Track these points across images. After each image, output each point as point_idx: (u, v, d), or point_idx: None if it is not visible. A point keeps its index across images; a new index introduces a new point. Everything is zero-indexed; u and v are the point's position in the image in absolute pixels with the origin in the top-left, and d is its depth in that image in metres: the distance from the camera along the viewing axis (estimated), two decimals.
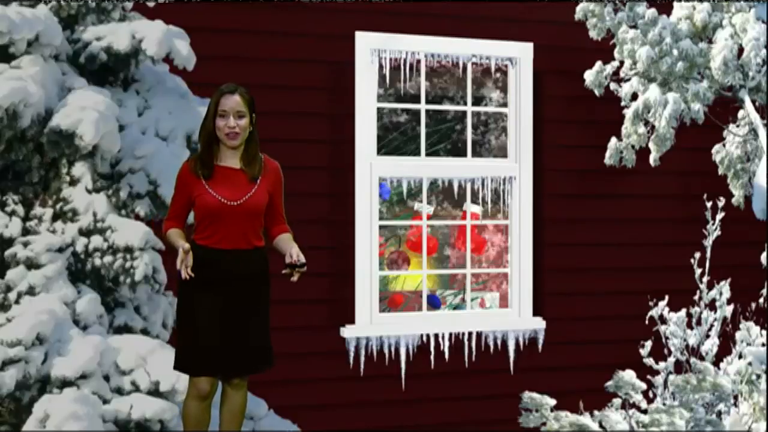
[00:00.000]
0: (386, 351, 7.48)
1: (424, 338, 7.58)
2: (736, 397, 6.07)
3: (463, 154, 8.09)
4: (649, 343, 6.89)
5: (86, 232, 5.79)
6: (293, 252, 4.91)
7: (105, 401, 5.48)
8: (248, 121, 5.01)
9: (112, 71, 6.14)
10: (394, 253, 9.68)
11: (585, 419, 5.72)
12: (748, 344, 6.40)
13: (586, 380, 7.69)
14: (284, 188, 5.16)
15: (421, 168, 7.64)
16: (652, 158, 6.96)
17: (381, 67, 7.50)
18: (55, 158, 5.87)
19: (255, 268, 5.00)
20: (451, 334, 7.64)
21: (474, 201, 8.10)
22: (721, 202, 7.19)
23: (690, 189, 8.19)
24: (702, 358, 6.77)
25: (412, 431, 7.58)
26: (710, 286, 7.45)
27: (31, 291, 5.60)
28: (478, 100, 9.44)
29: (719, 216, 7.15)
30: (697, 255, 7.35)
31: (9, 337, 5.34)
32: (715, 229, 7.13)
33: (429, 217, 9.14)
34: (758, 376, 5.84)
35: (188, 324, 4.98)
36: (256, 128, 5.07)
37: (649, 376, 6.73)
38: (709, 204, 7.46)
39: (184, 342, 4.99)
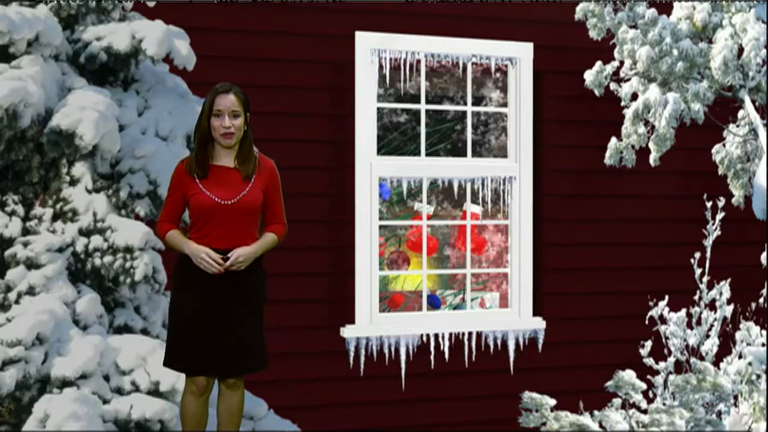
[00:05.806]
0: (386, 351, 7.48)
1: (424, 338, 7.58)
2: (736, 397, 6.07)
3: (463, 154, 8.09)
4: (649, 343, 6.90)
5: (86, 232, 5.78)
6: (234, 253, 4.94)
7: (105, 401, 5.48)
8: (243, 121, 5.02)
9: (112, 71, 6.14)
10: (394, 253, 9.67)
11: (585, 419, 5.71)
12: (748, 344, 6.40)
13: (586, 380, 7.69)
14: (284, 188, 5.15)
15: (421, 168, 7.64)
16: (652, 158, 6.96)
17: (381, 67, 7.50)
18: (55, 158, 5.87)
19: (249, 268, 5.00)
20: (451, 334, 7.64)
21: (474, 201, 8.10)
22: (721, 202, 7.19)
23: (690, 189, 8.19)
24: (702, 358, 6.77)
25: (412, 431, 7.57)
26: (710, 286, 7.46)
27: (31, 291, 5.60)
28: (478, 100, 9.43)
29: (719, 216, 7.15)
30: (697, 255, 7.35)
31: (9, 337, 5.33)
32: (715, 229, 7.13)
33: (429, 217, 9.14)
34: (758, 376, 5.84)
35: (180, 322, 4.99)
36: (250, 127, 5.08)
37: (649, 376, 6.73)
38: (709, 204, 7.46)
39: (174, 340, 5.01)
